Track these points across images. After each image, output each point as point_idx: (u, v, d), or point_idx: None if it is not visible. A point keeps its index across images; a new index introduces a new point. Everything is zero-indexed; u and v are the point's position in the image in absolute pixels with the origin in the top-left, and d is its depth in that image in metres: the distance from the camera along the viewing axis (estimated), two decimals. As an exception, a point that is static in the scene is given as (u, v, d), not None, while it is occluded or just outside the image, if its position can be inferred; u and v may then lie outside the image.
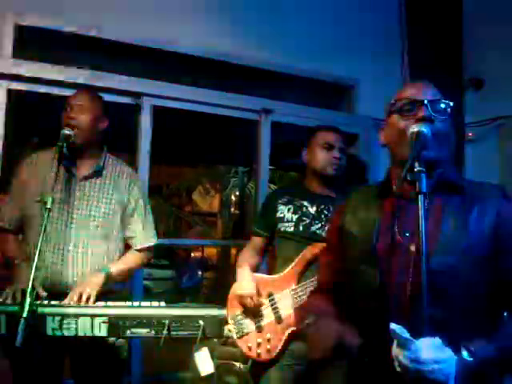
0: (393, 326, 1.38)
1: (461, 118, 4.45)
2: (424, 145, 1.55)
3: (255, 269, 2.99)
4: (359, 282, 1.66)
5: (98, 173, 2.73)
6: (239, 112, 4.10)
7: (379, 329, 1.47)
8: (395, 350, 1.40)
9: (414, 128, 1.58)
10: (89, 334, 2.17)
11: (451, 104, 1.66)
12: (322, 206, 2.87)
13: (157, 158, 3.93)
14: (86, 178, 2.70)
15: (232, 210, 16.69)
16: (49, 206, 2.25)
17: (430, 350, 1.35)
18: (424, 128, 1.57)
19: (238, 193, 15.58)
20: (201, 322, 2.21)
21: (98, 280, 2.54)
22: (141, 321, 2.19)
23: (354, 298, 1.70)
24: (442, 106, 1.65)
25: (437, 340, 1.38)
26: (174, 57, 3.88)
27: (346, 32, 4.35)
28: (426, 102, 1.63)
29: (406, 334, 1.37)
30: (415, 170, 1.50)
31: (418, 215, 1.45)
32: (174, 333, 2.21)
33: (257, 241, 3.05)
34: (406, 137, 1.60)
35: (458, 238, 1.57)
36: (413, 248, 1.59)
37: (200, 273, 15.80)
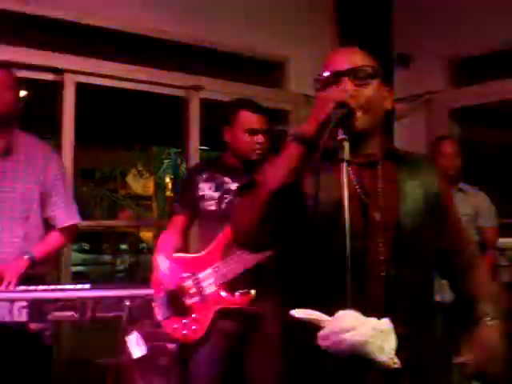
0: (293, 312, 1.33)
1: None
2: (346, 113, 1.48)
3: (177, 251, 2.87)
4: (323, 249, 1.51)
5: (8, 151, 2.60)
6: (167, 89, 4.00)
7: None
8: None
9: (335, 97, 1.49)
10: (8, 319, 2.07)
11: (374, 68, 1.59)
12: None
13: (85, 140, 3.79)
14: None
15: (167, 192, 16.54)
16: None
17: (337, 321, 1.30)
18: (345, 97, 1.49)
19: (172, 175, 15.43)
20: (127, 303, 2.14)
21: (21, 264, 2.45)
22: (63, 304, 2.11)
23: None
24: (366, 71, 1.58)
25: (351, 311, 1.30)
26: (99, 32, 3.75)
27: (279, 7, 4.32)
28: (346, 71, 1.55)
29: (317, 315, 1.33)
30: (338, 138, 1.44)
31: (375, 181, 1.54)
32: (100, 314, 2.14)
33: (177, 220, 2.93)
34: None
35: (416, 201, 1.57)
36: (377, 216, 1.53)
37: (134, 257, 15.61)
